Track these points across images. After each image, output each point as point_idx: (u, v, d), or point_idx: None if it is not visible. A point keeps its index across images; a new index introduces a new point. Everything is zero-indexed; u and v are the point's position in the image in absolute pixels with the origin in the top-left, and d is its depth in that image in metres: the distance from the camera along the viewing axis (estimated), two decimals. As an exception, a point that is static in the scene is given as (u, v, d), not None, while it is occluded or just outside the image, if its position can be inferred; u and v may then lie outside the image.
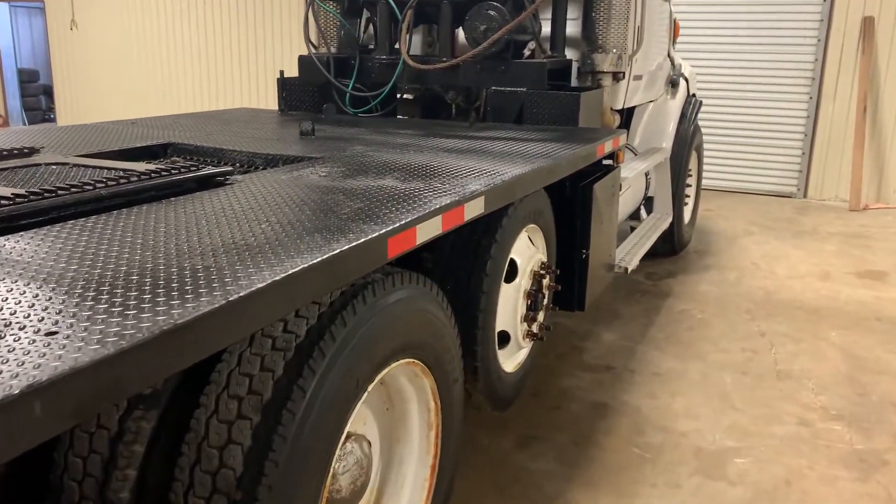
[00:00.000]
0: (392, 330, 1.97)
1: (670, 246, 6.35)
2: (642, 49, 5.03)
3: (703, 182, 9.32)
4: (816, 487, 3.19)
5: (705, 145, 9.21)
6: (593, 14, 4.65)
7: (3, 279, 1.44)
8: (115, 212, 2.02)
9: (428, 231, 2.08)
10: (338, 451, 1.84)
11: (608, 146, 3.84)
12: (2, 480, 1.74)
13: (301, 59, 4.78)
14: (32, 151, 2.84)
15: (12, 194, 1.95)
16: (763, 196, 9.40)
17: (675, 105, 6.07)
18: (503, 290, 2.98)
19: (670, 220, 5.73)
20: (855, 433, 3.63)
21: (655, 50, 5.66)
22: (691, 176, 6.66)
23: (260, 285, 1.41)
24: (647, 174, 5.65)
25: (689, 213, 6.70)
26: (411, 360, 2.13)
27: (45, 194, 2.00)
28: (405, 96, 5.34)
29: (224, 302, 1.33)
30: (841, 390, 4.07)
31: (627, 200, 5.11)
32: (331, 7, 4.83)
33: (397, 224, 1.93)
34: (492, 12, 4.29)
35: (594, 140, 3.69)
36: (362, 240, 1.76)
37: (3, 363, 1.08)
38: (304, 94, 4.92)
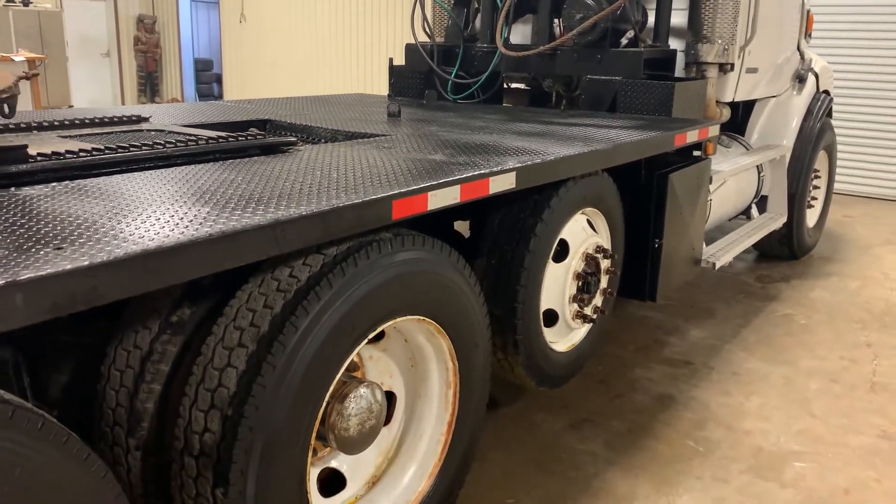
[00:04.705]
0: (396, 286, 2.13)
1: (788, 249, 6.04)
2: (759, 41, 4.84)
3: (850, 187, 8.78)
4: (878, 500, 3.01)
5: (853, 147, 8.67)
6: (700, 3, 4.56)
7: (61, 207, 1.75)
8: (175, 167, 2.32)
9: (442, 198, 2.22)
10: (332, 388, 2.03)
11: (691, 136, 3.78)
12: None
13: (408, 46, 5.03)
14: (140, 119, 3.25)
15: (91, 148, 2.31)
16: (919, 205, 8.65)
17: (801, 101, 5.75)
18: (551, 269, 3.05)
19: (783, 221, 5.46)
20: (943, 453, 3.37)
21: (779, 42, 5.41)
22: (819, 177, 6.28)
23: (237, 227, 1.64)
24: (759, 172, 5.42)
25: (814, 216, 6.33)
26: (422, 318, 2.28)
27: (119, 150, 2.34)
28: (515, 85, 5.47)
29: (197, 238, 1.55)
30: (941, 409, 3.78)
31: (729, 196, 4.94)
32: (439, -2, 5.05)
33: (407, 188, 2.10)
34: (589, 1, 4.32)
35: (674, 129, 3.65)
36: (360, 199, 1.94)
37: (20, 267, 1.35)
38: (411, 80, 5.16)
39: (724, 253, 4.50)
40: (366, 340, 2.10)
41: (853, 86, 8.66)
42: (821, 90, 5.99)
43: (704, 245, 4.37)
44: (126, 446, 1.97)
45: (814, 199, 6.25)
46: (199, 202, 1.86)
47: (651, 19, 4.65)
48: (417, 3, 4.89)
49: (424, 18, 5.00)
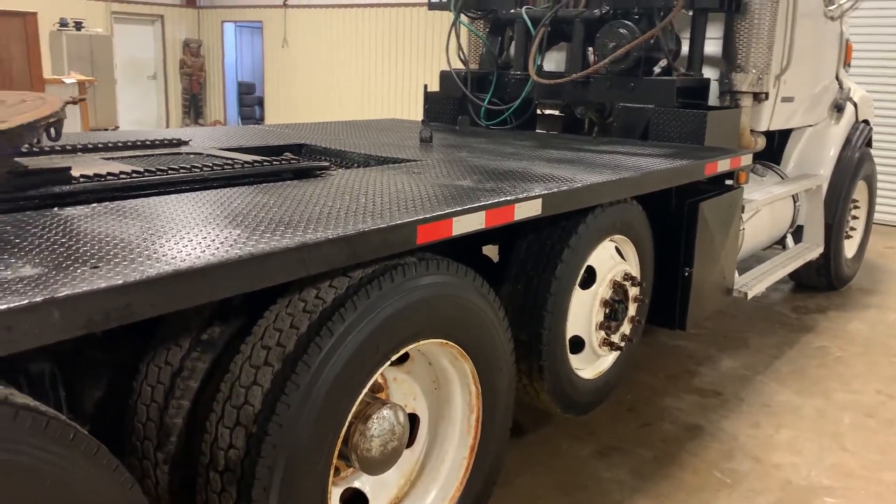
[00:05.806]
0: (420, 309, 2.17)
1: (826, 280, 5.95)
2: (795, 70, 4.83)
3: (892, 218, 8.61)
4: (911, 540, 2.95)
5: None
6: (734, 33, 4.56)
7: (100, 227, 1.83)
8: (211, 190, 2.40)
9: (467, 224, 2.26)
10: (356, 408, 2.07)
11: (723, 165, 3.77)
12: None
13: (442, 73, 5.11)
14: (181, 143, 3.36)
15: (132, 170, 2.40)
16: (964, 238, 8.44)
17: (839, 131, 5.69)
18: (577, 295, 3.06)
19: (819, 251, 5.39)
20: (981, 493, 3.28)
21: (817, 71, 5.38)
22: (858, 207, 6.19)
23: (267, 249, 1.70)
24: (795, 201, 5.36)
25: (853, 246, 6.23)
26: (446, 341, 2.31)
27: (158, 172, 2.43)
28: (549, 112, 5.51)
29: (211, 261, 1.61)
30: (981, 447, 3.67)
31: (763, 225, 4.89)
32: (473, 27, 5.12)
33: (432, 214, 2.14)
34: (622, 30, 4.35)
35: (705, 158, 3.65)
36: (386, 224, 1.99)
37: (58, 284, 1.42)
38: (445, 106, 5.24)
39: (756, 282, 4.45)
40: (389, 362, 2.14)
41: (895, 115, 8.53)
42: (860, 120, 5.93)
43: (737, 274, 4.33)
44: (155, 460, 2.03)
45: (852, 229, 6.15)
46: (232, 224, 1.93)
47: (685, 48, 4.67)
48: (453, 31, 4.97)
49: (459, 46, 5.08)
